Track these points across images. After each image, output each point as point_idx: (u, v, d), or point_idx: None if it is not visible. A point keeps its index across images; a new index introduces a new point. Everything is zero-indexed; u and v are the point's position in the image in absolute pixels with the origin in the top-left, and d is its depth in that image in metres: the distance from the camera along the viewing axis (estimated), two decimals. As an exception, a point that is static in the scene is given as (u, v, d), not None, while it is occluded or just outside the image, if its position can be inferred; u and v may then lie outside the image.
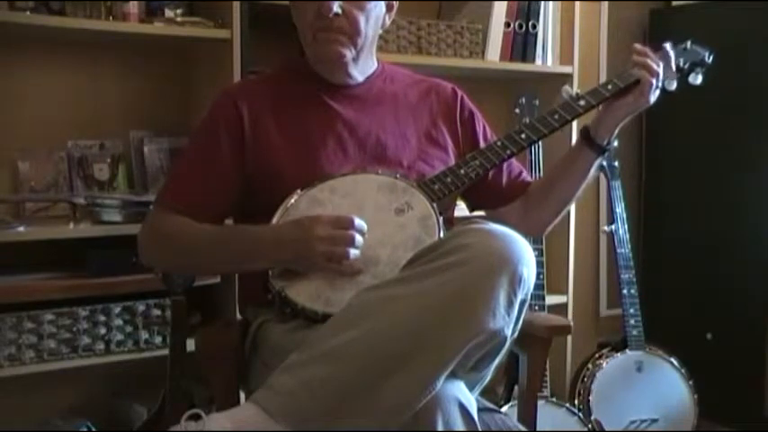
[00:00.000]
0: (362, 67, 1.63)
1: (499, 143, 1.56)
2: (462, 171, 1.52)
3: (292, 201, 1.46)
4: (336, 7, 1.49)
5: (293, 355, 1.21)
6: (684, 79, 1.78)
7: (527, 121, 1.63)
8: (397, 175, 1.50)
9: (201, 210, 1.50)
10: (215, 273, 1.46)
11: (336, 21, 1.50)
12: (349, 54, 1.54)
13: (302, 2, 1.53)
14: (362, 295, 1.24)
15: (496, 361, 1.32)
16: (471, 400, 1.25)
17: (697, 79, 1.78)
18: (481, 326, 1.18)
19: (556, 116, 1.59)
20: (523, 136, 1.56)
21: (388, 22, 1.63)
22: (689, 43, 1.79)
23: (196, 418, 1.16)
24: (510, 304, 1.21)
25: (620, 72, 1.70)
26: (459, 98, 1.70)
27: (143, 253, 1.58)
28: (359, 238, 1.36)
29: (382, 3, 1.58)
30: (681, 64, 1.75)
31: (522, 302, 1.24)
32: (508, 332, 1.23)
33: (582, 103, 1.61)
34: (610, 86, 1.63)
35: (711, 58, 1.78)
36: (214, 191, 1.52)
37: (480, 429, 1.24)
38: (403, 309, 1.18)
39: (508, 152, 1.55)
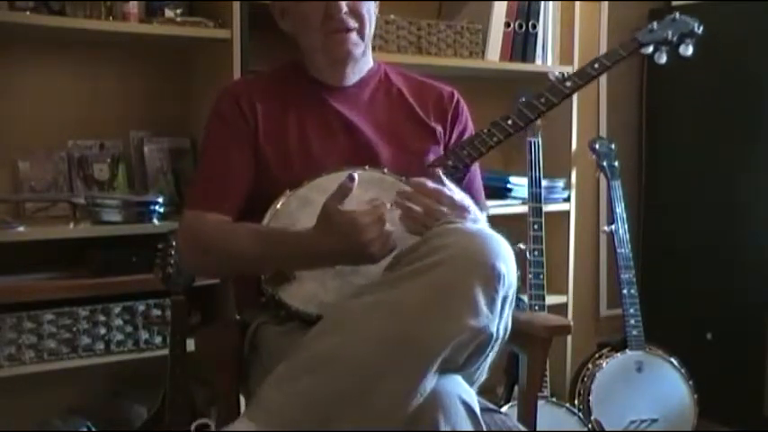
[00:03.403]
0: (360, 65, 1.63)
1: (486, 131, 1.55)
2: (450, 162, 1.51)
3: (282, 202, 1.46)
4: (344, 6, 1.51)
5: (279, 368, 1.21)
6: (674, 51, 1.75)
7: (516, 106, 1.60)
8: (385, 170, 1.50)
9: (230, 203, 1.51)
10: (257, 274, 1.43)
11: (346, 19, 1.52)
12: (360, 50, 1.57)
13: (306, 7, 1.53)
14: (342, 304, 1.25)
15: (488, 360, 1.32)
16: (472, 394, 1.25)
17: (687, 50, 1.73)
18: (462, 324, 1.18)
19: (542, 100, 1.58)
20: (510, 122, 1.55)
21: (376, 11, 1.64)
22: (677, 14, 1.76)
23: (204, 427, 1.16)
24: (492, 301, 1.21)
25: (608, 51, 1.68)
26: (455, 100, 1.70)
27: (186, 260, 1.59)
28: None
29: None
30: (669, 36, 1.72)
31: (505, 299, 1.24)
32: (494, 329, 1.23)
33: (568, 84, 1.60)
34: (597, 65, 1.63)
35: (701, 28, 1.75)
36: (238, 183, 1.53)
37: (483, 425, 1.24)
38: (382, 314, 1.18)
39: (495, 139, 1.54)
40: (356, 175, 1.32)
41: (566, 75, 1.64)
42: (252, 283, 1.44)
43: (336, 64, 1.59)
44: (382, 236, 1.32)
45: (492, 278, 1.20)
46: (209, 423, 1.17)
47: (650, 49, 1.73)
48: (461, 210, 1.38)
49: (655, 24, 1.74)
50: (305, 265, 1.40)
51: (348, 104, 1.61)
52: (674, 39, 1.73)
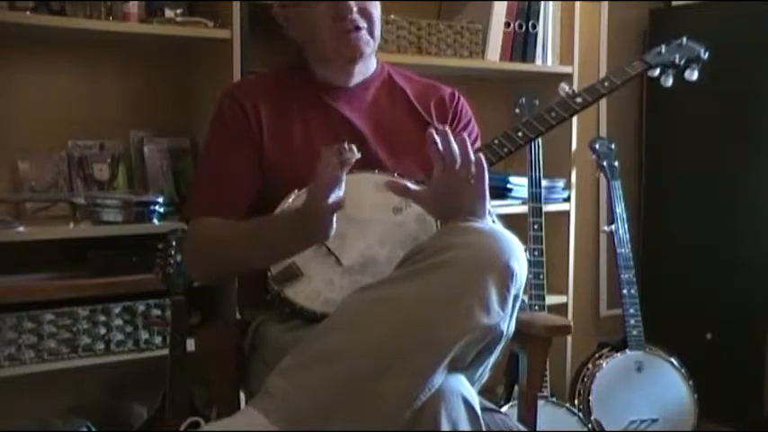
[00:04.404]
0: (366, 66, 1.64)
1: (496, 141, 1.56)
2: None
3: (289, 201, 1.46)
4: (354, 6, 1.52)
5: (287, 358, 1.21)
6: (680, 75, 1.79)
7: (525, 119, 1.63)
8: (395, 175, 1.50)
9: (233, 207, 1.51)
10: (257, 267, 1.44)
11: (356, 19, 1.53)
12: (370, 48, 1.57)
13: (314, 11, 1.53)
14: (354, 296, 1.24)
15: (493, 357, 1.32)
16: (474, 394, 1.25)
17: (693, 75, 1.79)
18: (475, 322, 1.18)
19: (553, 114, 1.60)
20: (520, 134, 1.57)
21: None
22: (684, 39, 1.80)
23: (195, 426, 1.16)
24: (503, 299, 1.21)
25: (615, 69, 1.70)
26: (456, 99, 1.70)
27: (191, 269, 1.62)
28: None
29: None
30: (676, 60, 1.76)
31: (515, 297, 1.25)
32: (504, 327, 1.23)
33: (579, 100, 1.62)
34: (606, 83, 1.65)
35: (707, 54, 1.79)
36: (240, 185, 1.53)
37: (483, 425, 1.24)
38: (394, 308, 1.18)
39: (505, 150, 1.55)
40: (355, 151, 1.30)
41: (575, 90, 1.67)
42: (257, 281, 1.44)
43: (346, 64, 1.59)
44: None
45: (506, 277, 1.21)
46: (200, 421, 1.16)
47: (657, 71, 1.78)
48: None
49: (663, 48, 1.79)
50: (290, 242, 1.38)
51: (351, 105, 1.61)
52: (681, 63, 1.77)
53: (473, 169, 1.33)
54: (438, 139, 1.33)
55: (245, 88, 1.65)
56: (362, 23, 1.54)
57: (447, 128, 1.36)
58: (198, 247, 1.54)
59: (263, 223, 1.43)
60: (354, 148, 1.30)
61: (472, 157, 1.34)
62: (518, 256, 1.23)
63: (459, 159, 1.33)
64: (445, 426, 1.16)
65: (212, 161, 1.59)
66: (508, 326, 1.25)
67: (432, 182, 1.36)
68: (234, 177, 1.54)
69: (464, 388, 1.22)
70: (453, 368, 1.20)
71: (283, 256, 1.40)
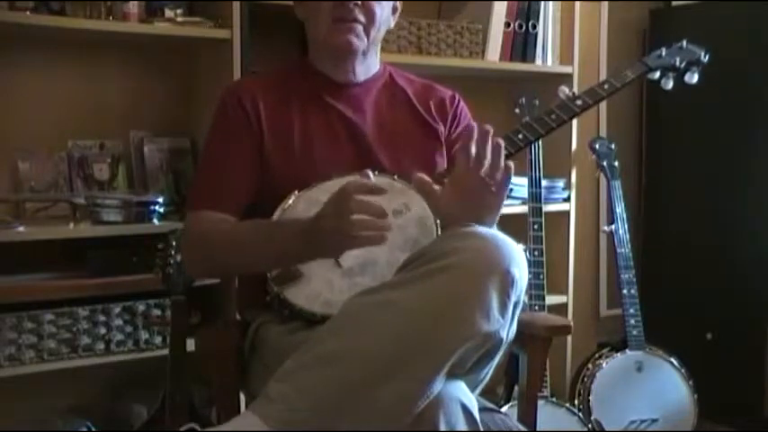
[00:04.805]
0: (367, 65, 1.64)
1: None
2: None
3: (290, 202, 1.46)
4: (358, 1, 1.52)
5: (288, 363, 1.21)
6: (680, 78, 1.79)
7: (525, 120, 1.63)
8: (395, 176, 1.50)
9: (231, 203, 1.52)
10: (256, 271, 1.44)
11: (355, 10, 1.53)
12: (362, 45, 1.57)
13: (320, 5, 1.54)
14: (355, 300, 1.24)
15: (493, 363, 1.32)
16: (473, 400, 1.25)
17: (693, 78, 1.80)
18: (475, 328, 1.18)
19: (553, 116, 1.60)
20: (521, 136, 1.57)
21: (392, 23, 1.66)
22: (684, 42, 1.80)
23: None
24: (504, 306, 1.20)
25: (615, 72, 1.71)
26: (456, 102, 1.71)
27: (188, 265, 1.61)
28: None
29: (390, 3, 1.62)
30: (677, 63, 1.76)
31: (516, 304, 1.24)
32: (504, 334, 1.23)
33: (579, 102, 1.62)
34: (606, 86, 1.65)
35: (707, 57, 1.79)
36: (239, 181, 1.53)
37: (481, 429, 1.24)
38: (396, 313, 1.17)
39: (505, 153, 1.56)
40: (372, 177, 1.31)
41: (575, 93, 1.67)
42: (256, 282, 1.44)
43: (338, 57, 1.59)
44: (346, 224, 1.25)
45: (506, 283, 1.20)
46: (196, 428, 1.16)
47: (657, 74, 1.78)
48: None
49: (663, 50, 1.80)
50: (289, 252, 1.37)
51: (352, 105, 1.61)
52: (682, 66, 1.78)
53: (498, 177, 1.34)
54: (476, 136, 1.33)
55: (245, 85, 1.65)
56: (360, 18, 1.54)
57: (490, 128, 1.36)
58: (196, 248, 1.53)
59: (266, 229, 1.42)
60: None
61: (502, 163, 1.35)
62: (519, 263, 1.23)
63: (487, 162, 1.33)
64: (442, 429, 1.16)
65: (212, 158, 1.59)
66: (508, 332, 1.25)
67: (449, 179, 1.37)
68: (233, 174, 1.54)
69: (463, 394, 1.22)
70: (452, 374, 1.20)
71: (283, 265, 1.40)
